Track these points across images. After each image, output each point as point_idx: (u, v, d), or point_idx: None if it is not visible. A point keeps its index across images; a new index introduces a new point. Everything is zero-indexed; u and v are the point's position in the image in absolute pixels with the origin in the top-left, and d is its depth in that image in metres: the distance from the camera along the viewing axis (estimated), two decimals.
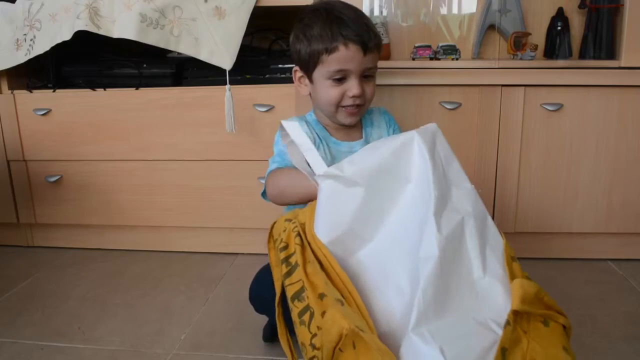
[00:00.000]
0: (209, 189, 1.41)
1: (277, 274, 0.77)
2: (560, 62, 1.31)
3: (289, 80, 1.32)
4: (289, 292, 0.70)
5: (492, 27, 1.46)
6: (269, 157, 1.00)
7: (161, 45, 1.27)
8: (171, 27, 1.27)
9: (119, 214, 1.47)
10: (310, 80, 0.98)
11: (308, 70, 0.96)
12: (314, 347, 0.64)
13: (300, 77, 1.00)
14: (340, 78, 0.93)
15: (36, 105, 1.43)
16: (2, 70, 1.40)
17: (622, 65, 1.25)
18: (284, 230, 0.75)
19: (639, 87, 1.25)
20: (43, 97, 1.43)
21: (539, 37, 1.44)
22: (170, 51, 1.37)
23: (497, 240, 0.73)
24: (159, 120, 1.39)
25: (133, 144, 1.41)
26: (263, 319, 1.05)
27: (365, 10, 1.45)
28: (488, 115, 1.30)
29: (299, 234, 0.72)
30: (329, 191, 0.71)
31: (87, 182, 1.46)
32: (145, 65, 1.41)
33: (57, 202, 1.48)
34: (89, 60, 1.46)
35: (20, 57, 1.38)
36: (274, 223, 0.80)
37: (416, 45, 1.38)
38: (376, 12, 1.53)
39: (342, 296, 0.64)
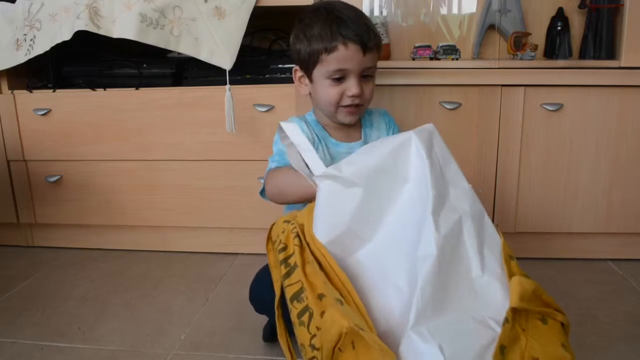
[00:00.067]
0: (209, 189, 1.41)
1: (277, 275, 0.77)
2: (560, 62, 1.32)
3: (289, 80, 1.32)
4: (288, 293, 0.70)
5: (492, 27, 1.46)
6: (268, 157, 1.00)
7: (161, 45, 1.27)
8: (171, 27, 1.27)
9: (119, 214, 1.47)
10: (310, 80, 0.98)
11: (308, 69, 0.97)
12: (313, 347, 0.65)
13: (300, 77, 1.01)
14: (340, 77, 0.93)
15: (36, 105, 1.43)
16: (2, 70, 1.40)
17: (622, 65, 1.25)
18: (283, 232, 0.75)
19: (639, 87, 1.25)
20: (43, 97, 1.43)
21: (539, 37, 1.44)
22: (170, 51, 1.37)
23: (495, 239, 0.73)
24: (159, 120, 1.39)
25: (133, 144, 1.41)
26: (263, 319, 1.05)
27: (365, 10, 1.45)
28: (488, 115, 1.30)
29: (297, 235, 0.73)
30: (328, 192, 0.71)
31: (87, 182, 1.46)
32: (145, 65, 1.41)
33: (57, 202, 1.48)
34: (89, 60, 1.46)
35: (20, 57, 1.38)
36: (273, 225, 0.80)
37: (416, 45, 1.38)
38: (376, 12, 1.53)
39: (341, 296, 0.65)
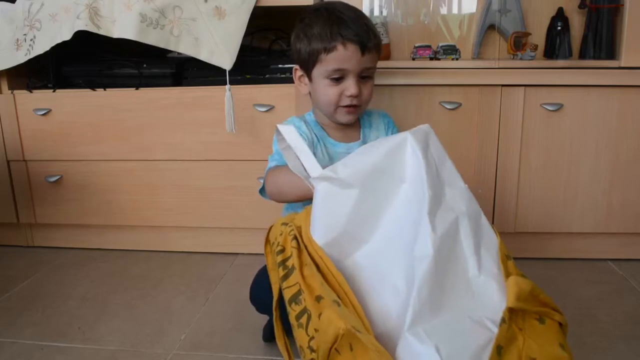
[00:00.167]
0: (209, 189, 1.41)
1: (275, 278, 0.77)
2: (560, 62, 1.31)
3: (289, 80, 1.32)
4: (287, 295, 0.70)
5: (492, 27, 1.46)
6: (268, 156, 1.00)
7: (161, 45, 1.27)
8: (171, 27, 1.27)
9: (119, 214, 1.47)
10: (310, 79, 0.99)
11: (308, 69, 0.97)
12: (311, 349, 0.65)
13: (300, 76, 1.01)
14: (338, 77, 0.94)
15: (36, 105, 1.43)
16: (2, 70, 1.40)
17: (622, 65, 1.25)
18: (281, 234, 0.76)
19: (639, 87, 1.25)
20: (43, 97, 1.43)
21: (539, 37, 1.44)
22: (170, 51, 1.37)
23: (491, 239, 0.73)
24: (159, 120, 1.39)
25: (133, 144, 1.41)
26: (263, 319, 1.05)
27: (365, 10, 1.45)
28: (488, 115, 1.30)
29: (295, 237, 0.73)
30: (324, 193, 0.72)
31: (87, 182, 1.46)
32: (145, 65, 1.41)
33: (57, 202, 1.48)
34: (89, 60, 1.46)
35: (20, 57, 1.38)
36: (271, 227, 0.81)
37: (416, 45, 1.38)
38: (376, 12, 1.53)
39: (339, 297, 0.65)
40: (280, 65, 1.38)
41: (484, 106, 1.30)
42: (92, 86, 1.42)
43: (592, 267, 1.35)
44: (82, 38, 1.29)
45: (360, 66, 0.93)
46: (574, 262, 1.38)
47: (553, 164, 1.32)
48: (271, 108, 1.33)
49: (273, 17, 1.46)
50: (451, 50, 1.34)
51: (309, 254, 0.71)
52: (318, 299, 0.65)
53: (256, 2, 1.28)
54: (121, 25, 1.26)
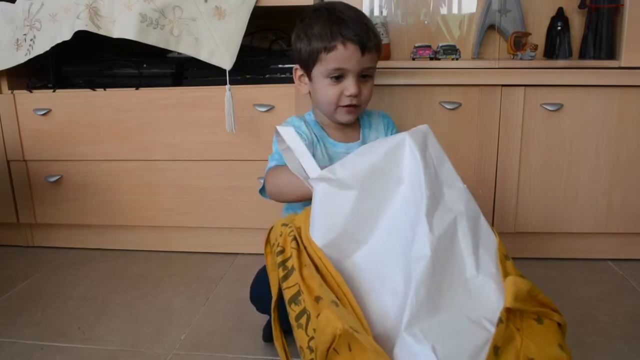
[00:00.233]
0: (209, 189, 1.41)
1: (274, 279, 0.78)
2: (560, 62, 1.31)
3: (289, 80, 1.32)
4: (286, 296, 0.70)
5: (492, 27, 1.46)
6: (268, 156, 1.00)
7: (161, 45, 1.27)
8: (171, 27, 1.27)
9: (119, 214, 1.47)
10: (310, 79, 0.99)
11: (308, 68, 0.97)
12: (311, 349, 0.65)
13: (300, 76, 1.02)
14: (338, 76, 0.94)
15: (36, 105, 1.43)
16: (2, 70, 1.40)
17: (622, 65, 1.25)
18: (281, 235, 0.76)
19: (639, 87, 1.25)
20: (43, 97, 1.43)
21: (539, 37, 1.44)
22: (170, 51, 1.37)
23: (490, 239, 0.73)
24: (159, 120, 1.39)
25: (133, 144, 1.41)
26: (263, 319, 1.05)
27: (365, 10, 1.45)
28: (488, 115, 1.30)
29: (295, 238, 0.73)
30: (323, 194, 0.72)
31: (87, 182, 1.46)
32: (145, 65, 1.41)
33: (57, 202, 1.48)
34: (89, 60, 1.46)
35: (20, 57, 1.38)
36: (271, 228, 0.81)
37: (416, 45, 1.38)
38: (376, 12, 1.53)
39: (337, 298, 0.65)
40: (280, 65, 1.38)
41: (484, 106, 1.30)
42: (92, 86, 1.42)
43: (592, 267, 1.35)
44: (82, 38, 1.29)
45: (360, 66, 0.93)
46: (574, 262, 1.38)
47: (553, 164, 1.32)
48: (271, 108, 1.33)
49: (273, 17, 1.46)
50: (451, 50, 1.34)
51: (309, 255, 0.71)
52: (317, 299, 0.65)
53: (256, 2, 1.28)
54: (121, 25, 1.26)
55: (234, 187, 1.40)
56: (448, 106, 1.30)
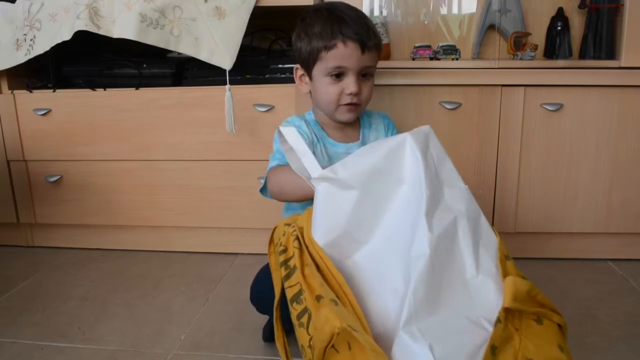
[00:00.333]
0: (209, 189, 1.41)
1: (277, 278, 0.78)
2: (560, 62, 1.31)
3: (289, 80, 1.32)
4: (288, 295, 0.71)
5: (492, 27, 1.46)
6: (268, 157, 1.00)
7: (161, 45, 1.27)
8: (171, 27, 1.27)
9: (119, 214, 1.47)
10: (310, 78, 0.99)
11: (308, 67, 0.98)
12: (312, 348, 0.65)
13: (301, 76, 1.02)
14: (338, 75, 0.94)
15: (36, 105, 1.43)
16: (2, 70, 1.40)
17: (622, 65, 1.25)
18: (284, 234, 0.76)
19: (639, 87, 1.25)
20: (43, 97, 1.43)
21: (539, 37, 1.44)
22: (170, 51, 1.37)
23: (490, 239, 0.73)
24: (159, 120, 1.39)
25: (133, 144, 1.41)
26: (263, 319, 1.05)
27: (365, 10, 1.45)
28: (488, 115, 1.30)
29: (297, 238, 0.73)
30: (325, 193, 0.72)
31: (87, 182, 1.46)
32: (145, 65, 1.41)
33: (57, 202, 1.48)
34: (89, 60, 1.46)
35: (20, 57, 1.38)
36: (275, 228, 0.81)
37: (416, 45, 1.38)
38: (376, 12, 1.53)
39: (337, 297, 0.65)
40: (280, 65, 1.38)
41: (484, 106, 1.30)
42: (92, 86, 1.41)
43: (592, 267, 1.35)
44: (82, 38, 1.29)
45: (360, 64, 0.93)
46: (574, 262, 1.38)
47: (553, 164, 1.32)
48: (271, 108, 1.33)
49: (273, 17, 1.46)
50: (451, 50, 1.34)
51: (310, 255, 0.71)
52: (318, 298, 0.65)
53: (256, 2, 1.28)
54: (121, 25, 1.26)
55: (234, 187, 1.40)
56: (448, 106, 1.30)
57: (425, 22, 1.51)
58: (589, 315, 1.11)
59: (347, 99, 0.95)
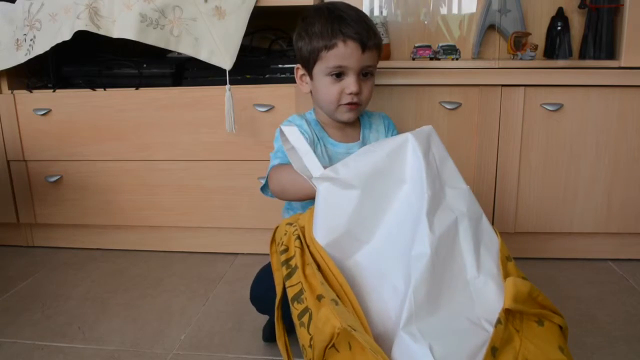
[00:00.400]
0: (209, 189, 1.41)
1: (279, 278, 0.78)
2: (560, 62, 1.32)
3: (289, 80, 1.32)
4: (290, 294, 0.71)
5: (492, 27, 1.46)
6: (269, 157, 1.00)
7: (161, 45, 1.27)
8: (171, 27, 1.27)
9: (119, 214, 1.47)
10: (311, 78, 0.99)
11: (309, 67, 0.98)
12: (313, 348, 0.65)
13: (301, 75, 1.02)
14: (339, 74, 0.94)
15: (36, 105, 1.43)
16: (2, 70, 1.40)
17: (622, 65, 1.25)
18: (285, 234, 0.76)
19: (639, 87, 1.25)
20: (43, 97, 1.43)
21: (539, 37, 1.44)
22: (170, 51, 1.37)
23: (492, 240, 0.73)
24: (158, 120, 1.39)
25: (133, 144, 1.41)
26: (263, 319, 1.05)
27: (365, 10, 1.45)
28: (488, 115, 1.30)
29: (298, 237, 0.73)
30: (326, 193, 0.72)
31: (87, 182, 1.46)
32: (145, 65, 1.41)
33: (57, 202, 1.48)
34: (89, 60, 1.46)
35: (20, 57, 1.38)
36: (277, 228, 0.81)
37: (416, 45, 1.38)
38: (376, 12, 1.53)
39: (338, 297, 0.65)
40: (280, 65, 1.38)
41: (484, 106, 1.30)
42: (92, 86, 1.41)
43: (592, 267, 1.35)
44: (82, 38, 1.29)
45: (360, 64, 0.93)
46: (574, 262, 1.38)
47: (553, 164, 1.32)
48: (271, 108, 1.33)
49: (273, 17, 1.46)
50: (451, 50, 1.34)
51: (311, 254, 0.71)
52: (319, 298, 0.65)
53: (256, 2, 1.28)
54: (121, 25, 1.26)
55: (234, 187, 1.40)
56: (448, 106, 1.30)
57: (425, 22, 1.51)
58: (589, 315, 1.11)
59: (347, 99, 0.95)
